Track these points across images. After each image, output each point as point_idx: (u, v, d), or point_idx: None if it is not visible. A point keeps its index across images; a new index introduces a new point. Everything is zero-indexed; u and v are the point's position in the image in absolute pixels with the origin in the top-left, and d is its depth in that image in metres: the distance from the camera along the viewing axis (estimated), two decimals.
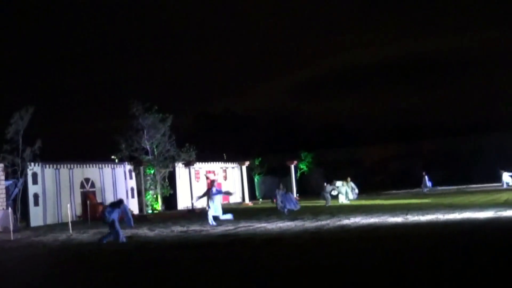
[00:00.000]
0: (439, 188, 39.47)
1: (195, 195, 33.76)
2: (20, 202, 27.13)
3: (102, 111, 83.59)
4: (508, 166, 38.37)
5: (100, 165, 31.80)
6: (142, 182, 32.41)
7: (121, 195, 32.23)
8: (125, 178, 32.97)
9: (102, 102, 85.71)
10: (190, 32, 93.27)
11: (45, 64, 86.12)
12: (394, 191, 40.57)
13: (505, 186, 35.98)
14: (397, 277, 8.54)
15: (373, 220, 17.90)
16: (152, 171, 34.24)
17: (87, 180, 30.73)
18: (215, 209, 20.20)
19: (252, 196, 41.85)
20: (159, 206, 34.03)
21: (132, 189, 33.23)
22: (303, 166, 47.07)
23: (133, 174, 33.33)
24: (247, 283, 8.95)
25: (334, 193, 30.92)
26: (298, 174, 45.35)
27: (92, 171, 31.21)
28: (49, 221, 27.81)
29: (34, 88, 77.93)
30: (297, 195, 38.06)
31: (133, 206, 32.30)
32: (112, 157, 35.08)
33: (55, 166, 29.17)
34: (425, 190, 37.40)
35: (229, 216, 20.51)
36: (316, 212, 23.06)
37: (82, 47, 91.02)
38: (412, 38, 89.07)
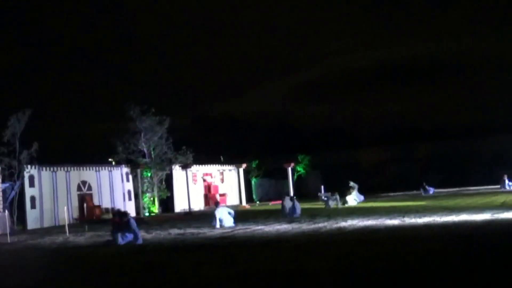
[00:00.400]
0: (437, 190, 39.52)
1: (192, 199, 33.85)
2: (16, 205, 27.08)
3: (99, 114, 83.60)
4: (506, 169, 38.47)
5: (97, 168, 31.75)
6: (139, 184, 32.38)
7: (118, 197, 32.25)
8: (122, 181, 32.92)
9: (99, 104, 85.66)
10: (187, 35, 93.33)
11: (42, 67, 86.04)
12: (391, 194, 40.62)
13: (507, 188, 35.92)
14: (394, 279, 8.55)
15: (370, 223, 17.91)
16: (149, 174, 34.20)
17: (84, 182, 30.68)
18: (222, 214, 20.21)
19: (249, 199, 41.85)
20: (156, 209, 33.98)
21: (129, 191, 33.18)
22: (300, 169, 47.08)
23: (130, 176, 33.29)
24: (245, 286, 8.94)
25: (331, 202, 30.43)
26: (295, 177, 45.36)
27: (89, 174, 31.17)
28: (46, 224, 27.74)
29: (31, 91, 77.85)
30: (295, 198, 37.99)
31: (130, 208, 32.27)
32: (109, 159, 35.04)
33: (52, 168, 29.12)
34: (430, 193, 37.26)
35: (231, 223, 20.44)
36: (313, 215, 23.06)
37: (79, 49, 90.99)
38: (409, 42, 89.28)
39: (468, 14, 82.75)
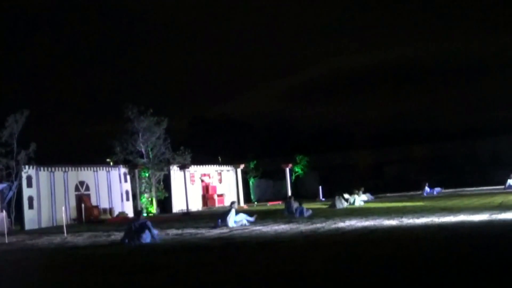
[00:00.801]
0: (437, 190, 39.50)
1: (190, 199, 33.82)
2: (14, 205, 27.06)
3: (97, 114, 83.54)
4: (504, 169, 38.48)
5: (94, 168, 31.75)
6: (137, 185, 32.36)
7: (116, 198, 32.25)
8: (120, 181, 32.92)
9: (97, 105, 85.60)
10: (185, 37, 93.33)
11: (40, 67, 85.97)
12: (388, 194, 40.64)
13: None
14: (393, 281, 8.55)
15: (368, 223, 17.91)
16: (147, 174, 34.20)
17: (81, 183, 30.67)
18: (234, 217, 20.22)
19: (247, 199, 41.85)
20: (154, 209, 33.98)
21: (127, 192, 33.18)
22: (298, 170, 47.11)
23: (128, 177, 33.30)
24: (242, 287, 8.94)
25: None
26: (293, 178, 45.37)
27: (86, 174, 31.16)
28: (44, 224, 27.73)
29: (29, 92, 77.76)
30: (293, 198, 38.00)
31: (128, 209, 32.28)
32: (107, 160, 35.04)
33: (49, 169, 29.10)
34: (435, 194, 37.23)
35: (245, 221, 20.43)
36: (311, 215, 23.05)
37: (77, 50, 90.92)
38: (406, 44, 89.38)
39: (466, 15, 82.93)
